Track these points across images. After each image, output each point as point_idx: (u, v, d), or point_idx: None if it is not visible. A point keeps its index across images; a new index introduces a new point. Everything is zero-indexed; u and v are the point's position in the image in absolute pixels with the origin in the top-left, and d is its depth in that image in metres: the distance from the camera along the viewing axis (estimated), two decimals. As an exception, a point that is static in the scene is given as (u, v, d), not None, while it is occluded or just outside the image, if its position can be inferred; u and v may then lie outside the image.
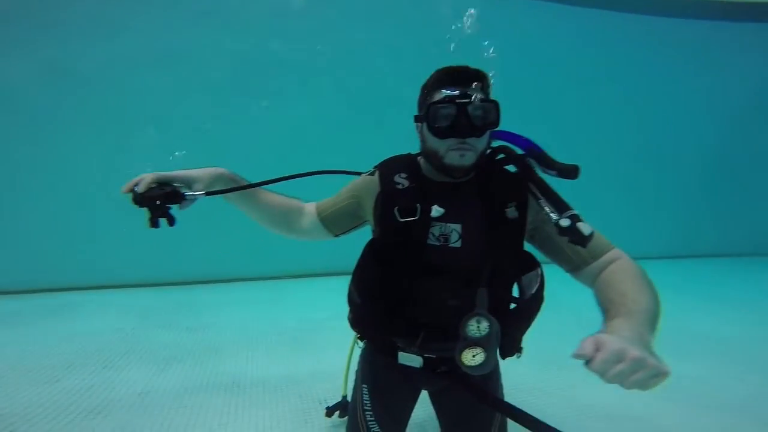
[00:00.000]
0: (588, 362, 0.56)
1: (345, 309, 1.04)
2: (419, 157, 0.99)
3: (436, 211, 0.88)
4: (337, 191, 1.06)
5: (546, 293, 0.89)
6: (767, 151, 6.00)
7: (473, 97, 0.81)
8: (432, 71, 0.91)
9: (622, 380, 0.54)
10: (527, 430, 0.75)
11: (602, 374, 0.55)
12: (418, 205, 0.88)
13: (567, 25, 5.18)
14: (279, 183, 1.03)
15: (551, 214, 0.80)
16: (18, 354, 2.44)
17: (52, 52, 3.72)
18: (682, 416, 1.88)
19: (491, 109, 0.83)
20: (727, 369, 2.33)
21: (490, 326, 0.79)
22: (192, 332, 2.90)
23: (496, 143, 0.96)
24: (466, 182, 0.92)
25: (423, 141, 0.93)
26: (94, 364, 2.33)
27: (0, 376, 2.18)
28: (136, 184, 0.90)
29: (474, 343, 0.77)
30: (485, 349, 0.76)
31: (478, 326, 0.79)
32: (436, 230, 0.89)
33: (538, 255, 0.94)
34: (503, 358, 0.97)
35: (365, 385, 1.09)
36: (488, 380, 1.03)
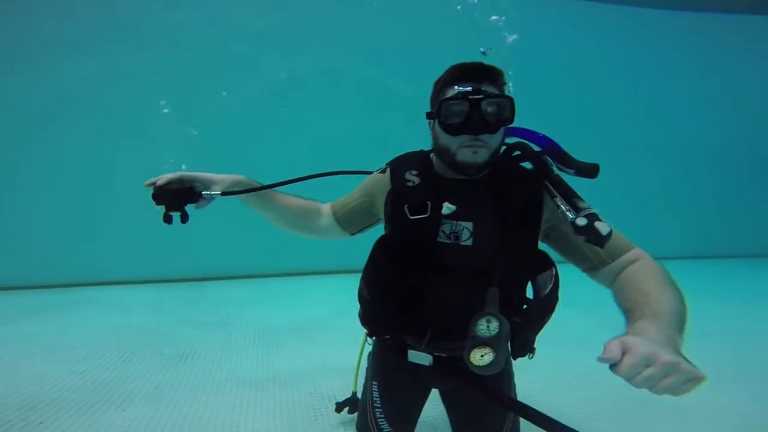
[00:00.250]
0: (614, 366, 0.53)
1: (356, 306, 1.03)
2: (432, 154, 0.96)
3: (447, 208, 0.85)
4: (350, 190, 1.05)
5: (561, 293, 0.85)
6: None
7: (486, 93, 0.78)
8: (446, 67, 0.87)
9: (652, 385, 0.51)
10: (541, 430, 0.72)
11: (629, 379, 0.52)
12: (428, 202, 0.86)
13: (574, 20, 5.06)
14: (295, 184, 1.04)
15: (567, 213, 0.76)
16: (45, 345, 2.50)
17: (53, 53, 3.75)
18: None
19: (505, 105, 0.80)
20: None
21: (500, 326, 0.76)
22: (205, 328, 2.92)
23: (512, 140, 0.92)
24: (480, 179, 0.88)
25: (435, 138, 0.89)
26: (114, 358, 2.36)
27: (29, 366, 2.23)
28: (158, 180, 0.94)
29: (483, 342, 0.75)
30: (494, 350, 0.74)
31: (488, 326, 0.77)
32: (446, 228, 0.87)
33: (553, 254, 0.91)
34: (515, 358, 0.94)
35: (375, 383, 1.07)
36: (500, 379, 1.00)
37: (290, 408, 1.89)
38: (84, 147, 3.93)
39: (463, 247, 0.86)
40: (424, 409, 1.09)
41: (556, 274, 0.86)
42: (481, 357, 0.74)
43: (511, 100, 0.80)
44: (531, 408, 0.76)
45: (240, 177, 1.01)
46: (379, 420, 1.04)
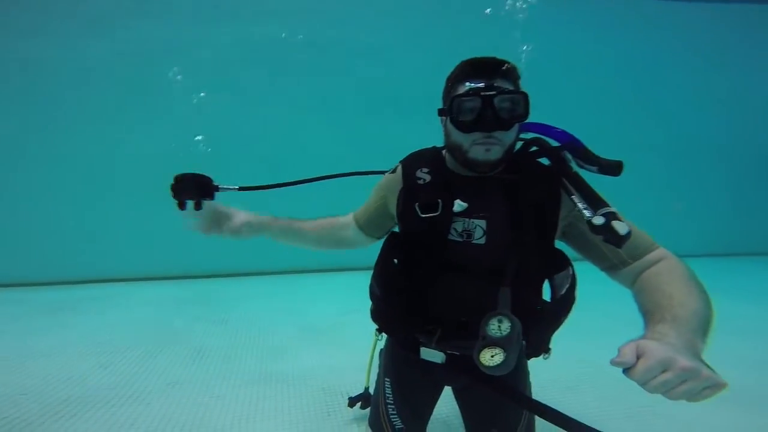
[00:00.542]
0: (628, 370, 0.50)
1: (368, 303, 1.01)
2: (444, 151, 0.93)
3: (459, 206, 0.82)
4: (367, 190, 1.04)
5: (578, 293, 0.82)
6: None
7: (499, 88, 0.75)
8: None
9: (667, 390, 0.49)
10: (557, 428, 0.70)
11: (643, 383, 0.49)
12: (439, 200, 0.83)
13: (592, 14, 4.89)
14: (310, 184, 1.07)
15: (584, 211, 0.72)
16: (68, 340, 2.56)
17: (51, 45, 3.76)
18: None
19: (519, 100, 0.76)
20: None
21: (512, 327, 0.73)
22: (219, 324, 2.95)
23: (529, 135, 0.89)
24: (494, 176, 0.85)
25: (447, 135, 0.86)
26: (134, 353, 2.40)
27: (61, 359, 2.30)
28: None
29: (493, 343, 0.72)
30: (505, 350, 0.71)
31: (499, 326, 0.74)
32: (458, 226, 0.84)
33: (570, 252, 0.87)
34: (528, 358, 0.91)
35: (388, 379, 1.05)
36: (515, 377, 0.97)
37: (304, 403, 1.89)
38: (107, 144, 3.98)
39: (475, 246, 0.83)
40: (437, 406, 1.07)
41: (573, 273, 0.82)
42: (491, 357, 0.71)
43: (525, 95, 0.77)
44: (548, 407, 0.73)
45: (265, 218, 1.08)
46: (391, 416, 1.02)
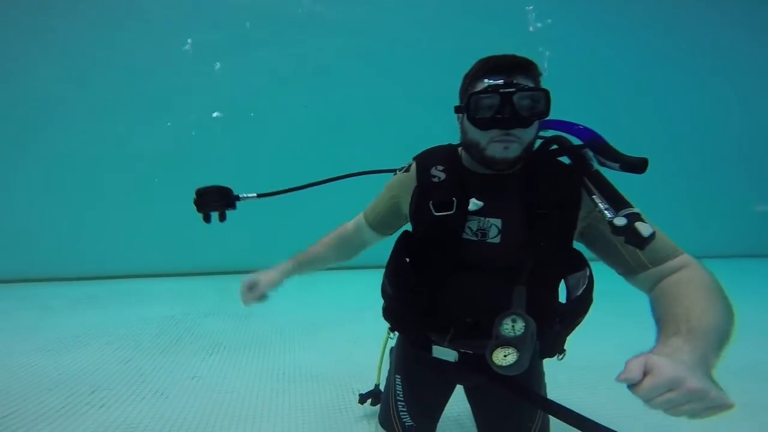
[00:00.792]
0: (633, 386, 0.48)
1: (380, 301, 1.00)
2: (460, 148, 0.90)
3: (474, 204, 0.79)
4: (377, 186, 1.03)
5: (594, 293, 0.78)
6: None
7: (519, 85, 0.72)
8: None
9: (669, 408, 0.47)
10: (572, 429, 0.67)
11: (647, 400, 0.47)
12: (453, 198, 0.80)
13: (578, 13, 4.74)
14: (315, 187, 1.09)
15: (606, 212, 0.68)
16: (92, 332, 2.64)
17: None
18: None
19: (539, 98, 0.73)
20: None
21: (526, 327, 0.71)
22: (235, 320, 2.98)
23: (549, 133, 0.85)
24: (511, 174, 0.81)
25: (464, 132, 0.83)
26: (155, 348, 2.46)
27: (87, 351, 2.37)
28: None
29: (507, 342, 0.70)
30: (518, 350, 0.69)
31: (513, 326, 0.71)
32: (473, 224, 0.81)
33: (587, 252, 0.83)
34: (542, 358, 0.89)
35: (398, 376, 1.04)
36: (529, 377, 0.93)
37: (316, 399, 1.90)
38: (120, 141, 4.02)
39: (490, 245, 0.81)
40: (448, 405, 1.05)
41: (591, 274, 0.79)
42: (504, 357, 0.69)
43: (546, 92, 0.73)
44: (562, 406, 0.71)
45: (285, 265, 1.13)
46: (401, 413, 1.01)
